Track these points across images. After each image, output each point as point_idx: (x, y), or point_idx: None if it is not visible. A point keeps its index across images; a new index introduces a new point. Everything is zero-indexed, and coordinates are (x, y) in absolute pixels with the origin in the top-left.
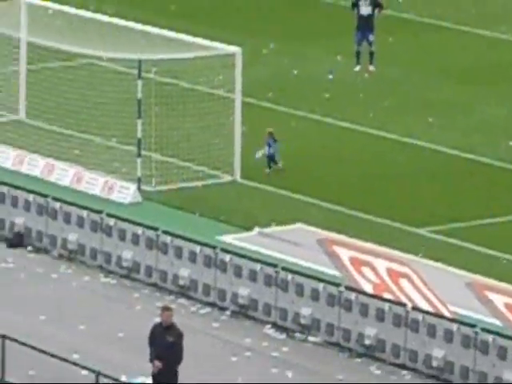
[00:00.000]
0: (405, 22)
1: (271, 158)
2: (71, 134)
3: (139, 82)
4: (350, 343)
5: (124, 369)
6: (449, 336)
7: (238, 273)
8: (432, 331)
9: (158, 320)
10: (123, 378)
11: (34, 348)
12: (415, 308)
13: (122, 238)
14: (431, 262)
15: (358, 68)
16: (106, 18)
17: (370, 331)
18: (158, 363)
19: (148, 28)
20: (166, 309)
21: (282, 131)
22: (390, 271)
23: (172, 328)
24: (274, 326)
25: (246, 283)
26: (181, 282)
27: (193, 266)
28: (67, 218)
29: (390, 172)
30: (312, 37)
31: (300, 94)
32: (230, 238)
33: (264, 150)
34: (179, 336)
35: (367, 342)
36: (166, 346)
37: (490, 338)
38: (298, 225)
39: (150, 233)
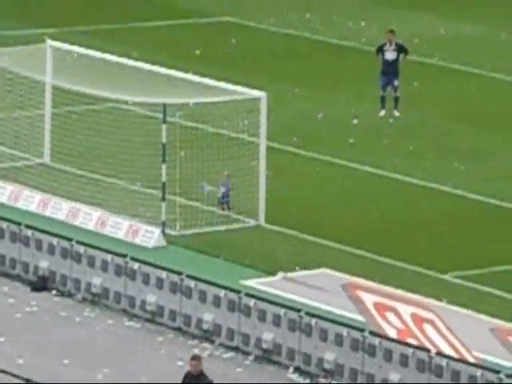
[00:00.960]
0: (430, 67)
1: (223, 201)
2: (96, 178)
3: (164, 126)
4: None
5: None
6: (473, 382)
7: (261, 317)
8: (456, 377)
9: (185, 368)
10: None
11: None
12: (439, 353)
13: (146, 281)
14: (455, 308)
15: (382, 113)
16: (130, 62)
17: (394, 377)
18: None
19: (173, 72)
20: (193, 358)
21: (306, 176)
22: (414, 316)
23: (201, 377)
24: (298, 370)
25: (269, 328)
26: (204, 327)
27: (217, 311)
28: (91, 262)
29: (414, 217)
30: (337, 81)
31: (324, 138)
32: (254, 283)
33: (215, 189)
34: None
35: None
36: None
37: None
38: (322, 269)
39: (174, 277)
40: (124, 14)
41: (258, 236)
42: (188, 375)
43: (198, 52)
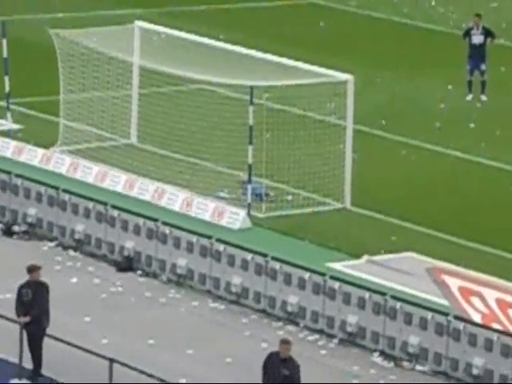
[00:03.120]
0: None
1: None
2: (182, 159)
3: (251, 108)
4: (458, 373)
5: None
6: None
7: (346, 300)
8: None
9: (269, 349)
10: None
11: (141, 372)
12: None
13: (231, 263)
14: None
15: (469, 97)
16: (218, 44)
17: (478, 361)
18: None
19: (260, 54)
20: (284, 342)
21: (392, 159)
22: (499, 301)
23: (289, 361)
24: (382, 354)
25: (354, 311)
26: (289, 309)
27: (301, 293)
28: (177, 243)
29: (501, 202)
30: (424, 65)
31: (411, 122)
32: (339, 266)
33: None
34: (295, 369)
35: (475, 371)
36: (280, 378)
37: None
38: (408, 253)
39: (260, 259)
40: None
41: (344, 219)
42: (274, 357)
43: (285, 34)
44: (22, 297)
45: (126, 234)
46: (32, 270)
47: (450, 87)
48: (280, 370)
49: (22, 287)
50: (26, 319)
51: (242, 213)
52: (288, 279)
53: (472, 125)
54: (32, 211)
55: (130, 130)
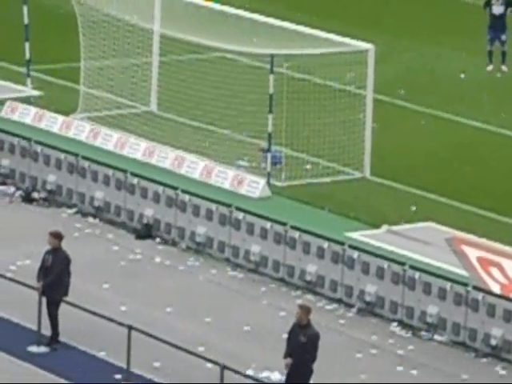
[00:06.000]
0: None
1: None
2: (201, 127)
3: (271, 77)
4: (476, 343)
5: (249, 363)
6: None
7: (365, 270)
8: None
9: (287, 318)
10: (248, 372)
11: (159, 340)
12: None
13: (251, 232)
14: None
15: (490, 67)
16: (238, 12)
17: (497, 332)
18: (287, 361)
19: (281, 23)
20: (299, 307)
21: (412, 129)
22: None
23: (307, 328)
24: (401, 323)
25: (373, 280)
26: (308, 278)
27: (320, 262)
28: (196, 211)
29: None
30: (445, 35)
31: (431, 92)
32: (358, 235)
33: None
34: (313, 337)
35: (493, 342)
36: (297, 345)
37: None
38: (427, 223)
39: (279, 227)
40: None
41: (363, 188)
42: (296, 325)
43: (306, 3)
44: (44, 262)
45: (145, 201)
46: (54, 235)
47: (470, 57)
48: (298, 337)
49: (46, 253)
50: (38, 285)
51: (262, 181)
52: (307, 248)
53: (493, 95)
54: (51, 178)
55: (150, 97)
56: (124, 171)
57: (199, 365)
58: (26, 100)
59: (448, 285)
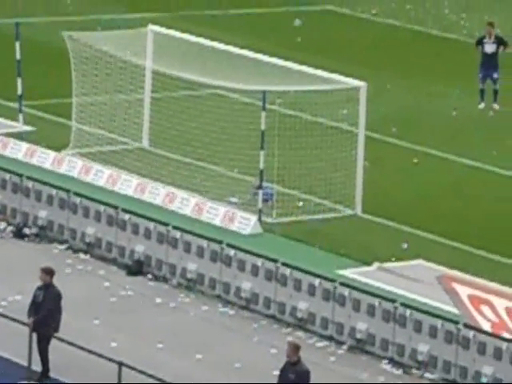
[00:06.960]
0: None
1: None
2: (193, 163)
3: (263, 114)
4: (467, 381)
5: None
6: None
7: (356, 307)
8: None
9: (278, 355)
10: None
11: (150, 376)
12: None
13: (242, 268)
14: None
15: (482, 105)
16: (230, 49)
17: (487, 370)
18: None
19: (273, 60)
20: (288, 344)
21: (404, 167)
22: (508, 310)
23: (296, 365)
24: (391, 361)
25: (363, 318)
26: (299, 315)
27: (311, 299)
28: (187, 247)
29: (511, 211)
30: (437, 73)
31: (423, 130)
32: (349, 272)
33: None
34: (303, 374)
35: (484, 380)
36: (287, 382)
37: None
38: (418, 261)
39: (270, 264)
40: (228, 1)
41: (355, 226)
42: (287, 362)
43: (298, 40)
44: (35, 298)
45: (136, 237)
46: (45, 271)
47: (462, 95)
48: (287, 374)
49: (37, 288)
50: (29, 321)
51: (253, 218)
52: (298, 285)
53: (484, 133)
54: (43, 214)
55: (142, 133)
56: (115, 207)
57: None
58: (18, 136)
59: (439, 322)
